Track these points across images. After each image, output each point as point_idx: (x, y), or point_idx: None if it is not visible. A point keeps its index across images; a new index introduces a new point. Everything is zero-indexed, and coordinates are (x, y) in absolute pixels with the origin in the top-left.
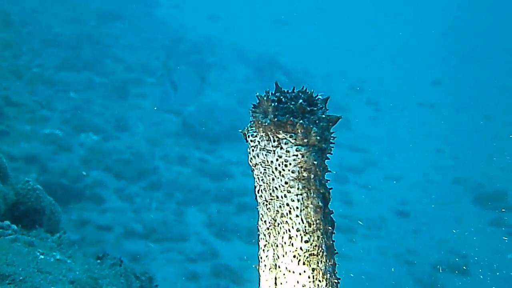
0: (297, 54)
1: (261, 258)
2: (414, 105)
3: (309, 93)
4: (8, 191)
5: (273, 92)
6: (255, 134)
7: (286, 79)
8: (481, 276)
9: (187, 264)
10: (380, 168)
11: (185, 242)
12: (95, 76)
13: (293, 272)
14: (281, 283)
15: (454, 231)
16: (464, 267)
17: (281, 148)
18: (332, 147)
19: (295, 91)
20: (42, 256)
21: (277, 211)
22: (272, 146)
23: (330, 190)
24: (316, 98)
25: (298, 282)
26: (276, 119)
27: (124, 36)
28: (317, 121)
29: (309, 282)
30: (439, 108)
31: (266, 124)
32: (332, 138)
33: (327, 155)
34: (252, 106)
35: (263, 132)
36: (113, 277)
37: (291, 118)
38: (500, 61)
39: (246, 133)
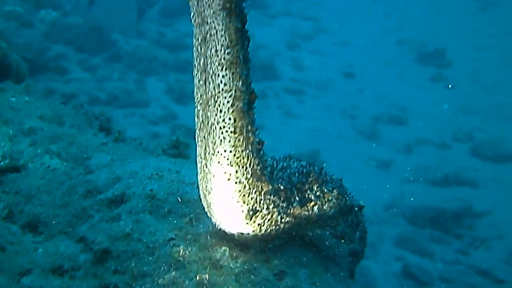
0: None
1: (195, 65)
2: None
3: None
4: None
5: None
6: None
7: None
8: (418, 124)
9: (149, 126)
10: (330, 34)
11: (147, 107)
12: None
13: (218, 75)
14: (209, 82)
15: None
16: (403, 118)
17: None
18: None
19: None
20: (13, 99)
21: (207, 31)
22: None
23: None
24: None
25: (221, 81)
26: None
27: None
28: None
29: (229, 80)
30: None
31: None
32: None
33: None
34: None
35: None
36: (75, 115)
37: None
38: None
39: None
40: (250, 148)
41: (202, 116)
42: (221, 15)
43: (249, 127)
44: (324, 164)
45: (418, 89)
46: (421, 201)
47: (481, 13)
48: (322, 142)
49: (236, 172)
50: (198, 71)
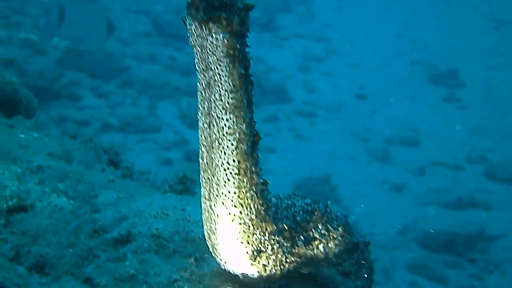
0: None
1: (199, 108)
2: None
3: None
4: None
5: None
6: (191, 23)
7: None
8: (431, 147)
9: (161, 152)
10: (342, 56)
11: (159, 132)
12: None
13: (222, 118)
14: (213, 125)
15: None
16: (416, 140)
17: (212, 36)
18: (249, 25)
19: None
20: (23, 135)
21: (211, 77)
22: (205, 34)
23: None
24: None
25: (225, 125)
26: (205, 16)
27: None
28: (237, 11)
29: (233, 124)
30: None
31: (199, 19)
32: (249, 22)
33: (246, 33)
34: (187, 4)
35: (197, 23)
36: (84, 150)
37: (216, 13)
38: None
39: (185, 21)
40: (254, 189)
41: (206, 158)
42: (225, 61)
43: (253, 168)
44: (329, 202)
45: (430, 110)
46: (435, 225)
47: (494, 32)
48: (334, 165)
49: (240, 213)
50: (202, 114)
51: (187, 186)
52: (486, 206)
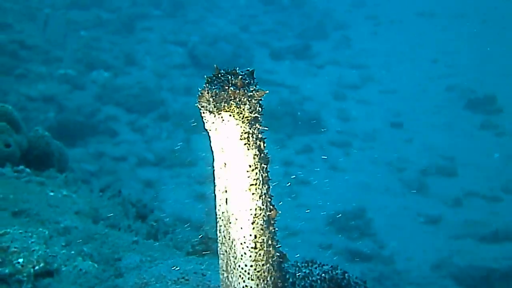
0: None
1: (216, 185)
2: (413, 16)
3: (240, 76)
4: (22, 139)
5: (213, 80)
6: (205, 112)
7: (288, 2)
8: (467, 176)
9: (195, 186)
10: (377, 83)
11: (193, 167)
12: (103, 12)
13: (239, 195)
14: (230, 201)
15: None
16: (452, 169)
17: (225, 124)
18: (262, 108)
19: (229, 70)
20: (52, 193)
21: (227, 158)
22: (218, 121)
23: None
24: (244, 76)
25: (242, 201)
26: (216, 107)
27: None
28: (248, 99)
29: (250, 200)
30: (438, 17)
31: (211, 110)
32: (260, 106)
33: (259, 117)
34: (198, 96)
35: (211, 113)
36: (111, 206)
37: (226, 104)
38: None
39: (199, 107)
40: (270, 262)
41: (223, 231)
42: (239, 144)
43: (270, 242)
44: (349, 273)
45: (467, 138)
46: (470, 260)
47: None
48: (368, 197)
49: (257, 286)
50: (219, 191)
51: (209, 245)
52: None
